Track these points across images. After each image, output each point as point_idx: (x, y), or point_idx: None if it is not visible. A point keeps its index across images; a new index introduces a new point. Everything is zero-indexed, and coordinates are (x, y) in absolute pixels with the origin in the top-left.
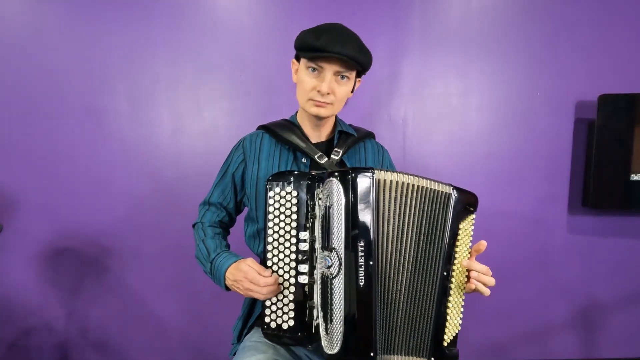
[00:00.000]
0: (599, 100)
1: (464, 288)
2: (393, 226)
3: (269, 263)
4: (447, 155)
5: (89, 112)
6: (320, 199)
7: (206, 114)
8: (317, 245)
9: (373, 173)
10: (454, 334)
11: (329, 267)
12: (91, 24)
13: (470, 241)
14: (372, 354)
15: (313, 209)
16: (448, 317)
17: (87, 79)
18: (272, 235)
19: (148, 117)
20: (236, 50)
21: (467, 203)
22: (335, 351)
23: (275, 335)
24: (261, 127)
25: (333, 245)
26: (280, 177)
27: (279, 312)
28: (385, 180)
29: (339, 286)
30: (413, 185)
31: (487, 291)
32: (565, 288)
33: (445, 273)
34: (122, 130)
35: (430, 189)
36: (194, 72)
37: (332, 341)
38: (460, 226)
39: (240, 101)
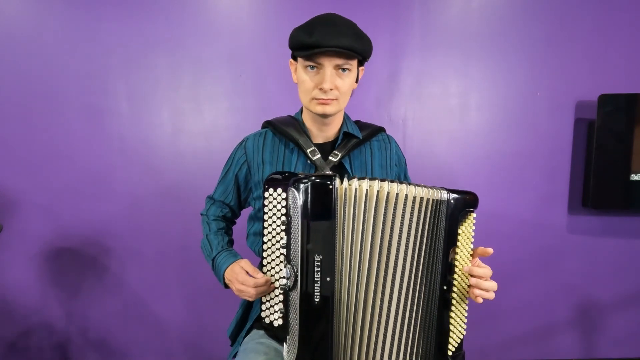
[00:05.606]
0: (599, 100)
1: (468, 293)
2: (366, 240)
3: (264, 262)
4: (447, 155)
5: (89, 112)
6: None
7: (206, 114)
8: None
9: (334, 182)
10: (459, 340)
11: (287, 279)
12: (91, 24)
13: (472, 242)
14: None
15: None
16: (451, 327)
17: (87, 79)
18: (266, 236)
19: (148, 117)
20: (236, 50)
21: (466, 204)
22: None
23: (270, 330)
24: (266, 123)
25: (291, 257)
26: (273, 179)
27: (271, 309)
28: (352, 189)
29: (294, 300)
30: (397, 194)
31: (491, 296)
32: (565, 288)
33: (445, 287)
34: (122, 130)
35: (419, 197)
36: (194, 72)
37: (290, 352)
38: (460, 231)
39: (240, 101)
